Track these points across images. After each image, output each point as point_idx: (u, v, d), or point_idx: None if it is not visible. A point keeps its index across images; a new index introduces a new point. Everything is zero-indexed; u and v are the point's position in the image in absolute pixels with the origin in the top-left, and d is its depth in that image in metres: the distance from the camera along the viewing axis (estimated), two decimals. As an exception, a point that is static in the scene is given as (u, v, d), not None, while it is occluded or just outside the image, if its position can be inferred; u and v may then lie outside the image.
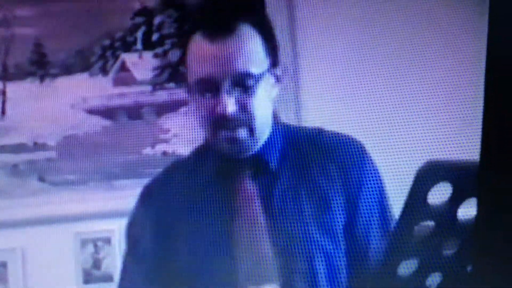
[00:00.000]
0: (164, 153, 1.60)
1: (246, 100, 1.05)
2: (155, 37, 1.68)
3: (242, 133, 1.06)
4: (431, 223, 0.83)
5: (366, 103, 1.23)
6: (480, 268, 0.74)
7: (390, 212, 1.05)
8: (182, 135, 1.57)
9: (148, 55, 1.68)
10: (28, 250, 1.56)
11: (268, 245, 1.03)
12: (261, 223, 1.05)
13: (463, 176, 0.80)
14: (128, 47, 1.69)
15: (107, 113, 1.65)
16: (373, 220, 1.05)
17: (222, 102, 1.04)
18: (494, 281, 0.71)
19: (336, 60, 1.30)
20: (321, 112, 1.27)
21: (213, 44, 1.06)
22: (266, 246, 1.03)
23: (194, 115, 1.11)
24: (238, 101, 1.05)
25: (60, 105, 1.63)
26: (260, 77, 1.06)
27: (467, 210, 0.80)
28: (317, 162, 1.09)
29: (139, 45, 1.68)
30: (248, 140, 1.07)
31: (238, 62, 1.05)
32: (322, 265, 1.03)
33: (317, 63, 1.33)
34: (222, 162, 1.10)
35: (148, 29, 1.68)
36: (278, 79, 1.11)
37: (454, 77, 1.19)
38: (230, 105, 1.04)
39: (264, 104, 1.08)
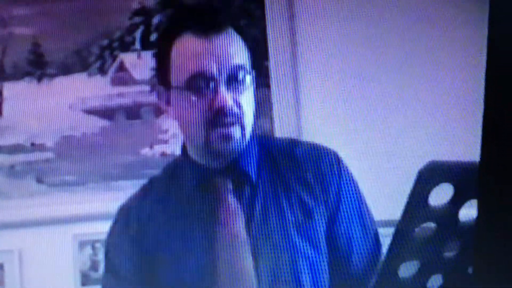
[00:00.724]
0: (163, 154, 1.60)
1: (239, 96, 1.05)
2: (153, 37, 1.67)
3: (236, 130, 1.05)
4: (432, 224, 0.83)
5: (367, 104, 1.22)
6: (481, 270, 0.73)
7: (370, 218, 1.07)
8: (181, 135, 1.57)
9: (146, 55, 1.67)
10: (25, 252, 1.56)
11: (250, 260, 1.03)
12: (243, 237, 1.04)
13: (465, 177, 0.79)
14: (126, 47, 1.68)
15: (105, 113, 1.64)
16: (354, 227, 1.05)
17: (221, 96, 1.03)
18: (495, 283, 0.71)
19: (335, 62, 1.30)
20: (321, 113, 1.26)
21: (207, 40, 1.05)
22: (247, 261, 1.03)
23: (182, 112, 1.07)
24: (233, 97, 1.05)
25: (57, 105, 1.62)
26: (249, 74, 1.07)
27: (469, 212, 0.79)
28: (294, 172, 1.09)
29: (137, 45, 1.68)
30: (239, 138, 1.06)
31: (232, 56, 1.05)
32: (306, 272, 1.02)
33: (317, 65, 1.32)
34: (201, 175, 1.09)
35: (146, 29, 1.68)
36: (253, 81, 1.10)
37: (454, 78, 1.19)
38: (229, 99, 1.04)
39: (251, 103, 1.08)
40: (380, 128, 1.17)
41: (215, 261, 1.03)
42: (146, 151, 1.59)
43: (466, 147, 1.03)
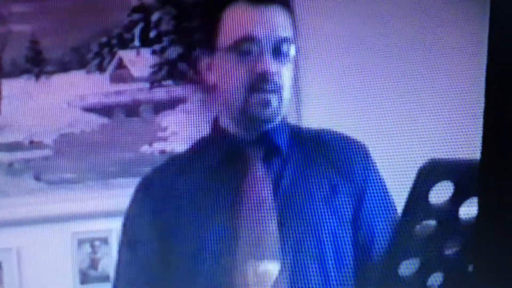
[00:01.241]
0: (162, 152, 1.59)
1: (281, 67, 1.09)
2: (152, 34, 1.67)
3: (274, 98, 1.08)
4: (432, 222, 0.83)
5: (368, 101, 1.22)
6: (482, 267, 0.73)
7: (395, 211, 1.07)
8: (180, 133, 1.57)
9: (145, 52, 1.67)
10: (24, 250, 1.55)
11: (275, 225, 1.04)
12: (269, 202, 1.06)
13: (465, 175, 0.79)
14: (125, 44, 1.68)
15: (104, 110, 1.64)
16: (378, 214, 1.06)
17: (266, 61, 1.07)
18: (496, 280, 0.71)
19: (336, 59, 1.29)
20: (322, 110, 1.26)
21: (258, 8, 1.09)
22: (272, 226, 1.04)
23: (224, 75, 1.10)
24: (276, 66, 1.08)
25: (56, 102, 1.62)
26: (292, 48, 1.10)
27: (469, 209, 0.79)
28: (323, 152, 1.11)
29: (136, 42, 1.68)
30: (276, 107, 1.09)
31: (280, 27, 1.09)
32: (330, 244, 1.04)
33: (318, 61, 1.32)
34: (231, 145, 1.12)
35: (145, 26, 1.68)
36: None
37: (455, 75, 1.19)
38: (272, 65, 1.07)
39: (290, 78, 1.11)
40: (380, 125, 1.17)
41: (238, 226, 1.05)
42: (145, 148, 1.59)
43: (467, 145, 1.02)
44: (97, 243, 1.54)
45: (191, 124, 1.60)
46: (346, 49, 1.30)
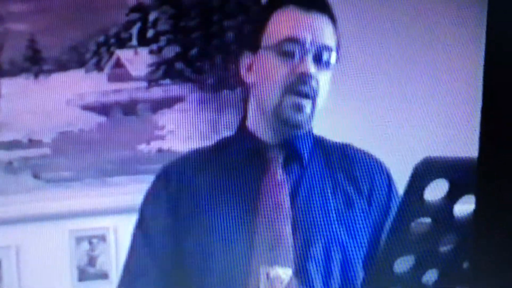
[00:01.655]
0: (159, 150, 1.60)
1: (320, 73, 1.09)
2: (150, 33, 1.67)
3: (308, 104, 1.08)
4: (427, 219, 0.83)
5: (364, 100, 1.23)
6: (477, 264, 0.73)
7: None
8: (178, 131, 1.57)
9: (143, 51, 1.67)
10: (22, 247, 1.55)
11: (289, 231, 1.05)
12: (285, 208, 1.06)
13: (460, 173, 0.79)
14: (123, 43, 1.68)
15: (102, 109, 1.64)
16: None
17: (307, 63, 1.07)
18: (491, 278, 0.71)
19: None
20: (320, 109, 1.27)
21: (307, 14, 1.10)
22: (286, 231, 1.05)
23: (263, 75, 1.11)
24: (316, 71, 1.08)
25: (54, 101, 1.62)
26: (333, 58, 1.11)
27: (464, 207, 0.80)
28: (344, 167, 1.12)
29: (134, 42, 1.68)
30: (308, 114, 1.09)
31: (325, 36, 1.10)
32: (338, 258, 1.04)
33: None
34: (254, 147, 1.12)
35: (143, 25, 1.68)
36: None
37: (452, 74, 1.19)
38: (313, 68, 1.07)
39: (326, 87, 1.11)
40: (376, 124, 1.17)
41: (254, 229, 1.05)
42: (142, 147, 1.59)
43: (462, 143, 1.03)
44: (95, 240, 1.54)
45: (188, 123, 1.61)
46: (343, 49, 1.31)
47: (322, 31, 1.10)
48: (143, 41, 1.68)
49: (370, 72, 1.26)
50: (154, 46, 1.67)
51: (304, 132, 1.12)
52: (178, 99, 1.61)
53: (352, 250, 1.05)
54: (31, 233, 1.53)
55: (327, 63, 1.09)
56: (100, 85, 1.66)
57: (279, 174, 1.09)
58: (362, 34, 1.33)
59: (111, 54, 1.67)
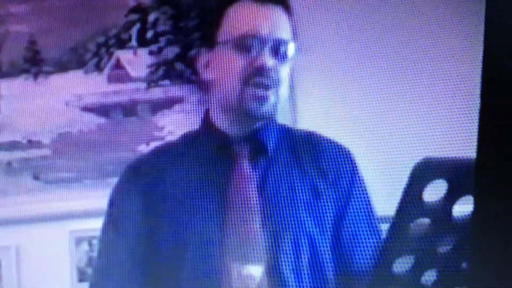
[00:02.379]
0: (159, 151, 1.60)
1: (279, 65, 1.10)
2: (149, 34, 1.67)
3: (270, 95, 1.09)
4: (426, 220, 0.83)
5: (362, 100, 1.23)
6: (476, 265, 0.73)
7: (377, 220, 1.08)
8: (177, 132, 1.57)
9: (143, 52, 1.67)
10: (22, 248, 1.55)
11: (259, 226, 1.05)
12: (254, 202, 1.06)
13: (459, 173, 0.80)
14: (122, 44, 1.68)
15: (102, 110, 1.64)
16: (361, 225, 1.07)
17: (264, 57, 1.08)
18: (490, 278, 0.71)
19: (331, 58, 1.30)
20: (317, 109, 1.27)
21: (264, 7, 1.11)
22: (256, 226, 1.05)
23: (221, 70, 1.11)
24: (274, 63, 1.09)
25: (54, 102, 1.62)
26: (291, 51, 1.12)
27: (463, 208, 0.80)
28: (310, 157, 1.12)
29: (133, 42, 1.68)
30: (272, 105, 1.09)
31: (282, 28, 1.11)
32: (307, 249, 1.04)
33: (312, 60, 1.32)
34: (219, 141, 1.12)
35: (143, 26, 1.68)
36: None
37: (450, 73, 1.19)
38: (270, 61, 1.08)
39: (287, 78, 1.12)
40: (374, 124, 1.17)
41: (224, 225, 1.05)
42: (142, 148, 1.59)
43: (461, 143, 1.03)
44: (95, 241, 1.54)
45: (188, 124, 1.61)
46: (340, 48, 1.31)
47: (278, 23, 1.11)
48: (142, 42, 1.67)
49: (367, 72, 1.26)
50: (153, 47, 1.67)
51: (268, 123, 1.12)
52: (178, 100, 1.61)
53: (319, 241, 1.05)
54: (31, 234, 1.53)
55: (285, 55, 1.10)
56: (99, 86, 1.66)
57: (246, 167, 1.09)
58: (358, 32, 1.33)
59: (110, 55, 1.67)
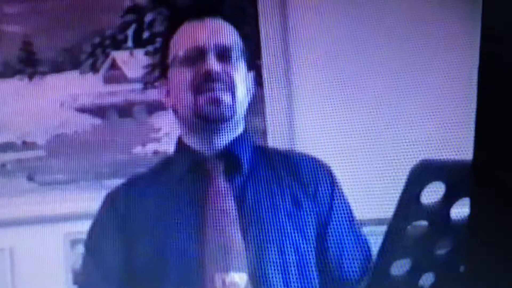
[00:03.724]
0: (155, 152, 1.59)
1: (229, 68, 1.11)
2: (146, 35, 1.67)
3: (224, 96, 1.09)
4: (424, 223, 0.82)
5: (360, 103, 1.22)
6: (473, 268, 0.73)
7: (359, 230, 1.10)
8: (174, 134, 1.57)
9: (139, 53, 1.67)
10: (16, 250, 1.55)
11: (239, 234, 1.05)
12: (232, 213, 1.07)
13: (456, 176, 0.79)
14: (118, 45, 1.68)
15: (97, 111, 1.64)
16: (345, 235, 1.08)
17: (208, 61, 1.09)
18: (487, 281, 0.71)
19: (328, 61, 1.30)
20: (314, 112, 1.26)
21: (202, 21, 1.13)
22: (237, 236, 1.05)
23: (175, 90, 1.13)
24: (222, 67, 1.10)
25: (49, 103, 1.62)
26: (240, 56, 1.13)
27: (460, 210, 0.79)
28: (288, 171, 1.13)
29: (129, 43, 1.67)
30: (229, 104, 1.10)
31: (223, 34, 1.13)
32: (293, 257, 1.05)
33: (310, 64, 1.32)
34: (194, 160, 1.12)
35: (138, 27, 1.67)
36: (249, 69, 1.16)
37: (447, 77, 1.19)
38: (215, 65, 1.09)
39: (242, 83, 1.12)
40: (372, 126, 1.17)
41: (204, 240, 1.05)
42: (138, 149, 1.59)
43: (458, 146, 1.03)
44: (90, 243, 1.53)
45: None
46: (338, 51, 1.30)
47: (217, 31, 1.13)
48: (138, 43, 1.67)
49: (364, 75, 1.25)
50: (149, 48, 1.67)
51: (240, 138, 1.13)
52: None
53: (304, 249, 1.06)
54: (25, 236, 1.52)
55: (230, 58, 1.11)
56: (95, 87, 1.65)
57: (222, 183, 1.10)
58: (355, 37, 1.33)
59: (106, 55, 1.67)
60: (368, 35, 1.33)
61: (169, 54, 1.14)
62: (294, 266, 1.04)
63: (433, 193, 0.80)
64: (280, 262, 1.04)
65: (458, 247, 0.80)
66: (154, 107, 1.62)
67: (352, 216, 1.10)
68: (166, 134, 1.59)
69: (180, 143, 1.16)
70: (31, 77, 1.66)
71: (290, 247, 1.05)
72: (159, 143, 1.60)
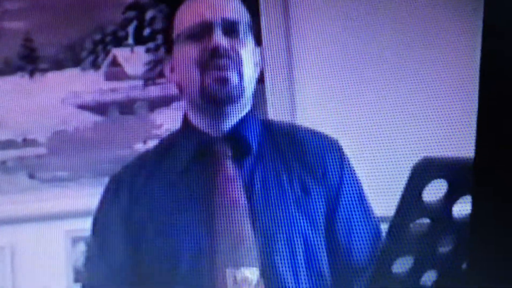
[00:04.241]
0: (156, 149, 1.59)
1: (236, 44, 1.08)
2: (146, 32, 1.67)
3: (232, 74, 1.07)
4: (426, 220, 0.83)
5: (362, 101, 1.22)
6: (475, 265, 0.73)
7: (370, 209, 1.07)
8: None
9: (140, 49, 1.67)
10: (17, 248, 1.55)
11: (249, 227, 1.03)
12: (242, 204, 1.05)
13: (459, 173, 0.79)
14: (119, 41, 1.67)
15: (99, 108, 1.63)
16: (354, 216, 1.06)
17: (215, 38, 1.07)
18: (489, 278, 0.71)
19: (331, 59, 1.29)
20: (316, 109, 1.26)
21: None
22: (246, 228, 1.03)
23: (181, 66, 1.11)
24: (229, 43, 1.08)
25: (50, 100, 1.61)
26: (248, 31, 1.10)
27: (463, 207, 0.79)
28: (295, 153, 1.10)
29: (130, 40, 1.67)
30: (236, 83, 1.07)
31: (229, 9, 1.10)
32: (301, 246, 1.03)
33: (312, 63, 1.32)
34: (201, 142, 1.10)
35: (140, 23, 1.67)
36: (257, 44, 1.14)
37: (449, 74, 1.19)
38: (223, 41, 1.07)
39: (249, 59, 1.10)
40: (374, 124, 1.17)
41: (214, 230, 1.03)
42: (139, 146, 1.59)
43: (460, 143, 1.03)
44: (91, 241, 1.54)
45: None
46: (340, 45, 1.30)
47: (224, 5, 1.10)
48: (139, 40, 1.67)
49: (366, 72, 1.25)
50: (151, 45, 1.66)
51: (249, 119, 1.10)
52: (175, 98, 1.60)
53: (314, 238, 1.04)
54: (26, 234, 1.52)
55: (242, 35, 1.09)
56: (96, 83, 1.65)
57: (230, 168, 1.07)
58: (357, 32, 1.32)
59: (107, 52, 1.67)
60: (370, 32, 1.32)
61: (173, 28, 1.12)
62: (303, 257, 1.02)
63: (435, 190, 0.80)
64: (288, 253, 1.02)
65: (460, 245, 0.80)
66: (155, 104, 1.62)
67: (361, 197, 1.07)
68: (167, 130, 1.59)
69: (185, 121, 1.13)
70: (32, 74, 1.66)
71: (298, 237, 1.03)
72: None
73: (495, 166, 0.71)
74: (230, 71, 1.07)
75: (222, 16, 1.08)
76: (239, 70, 1.07)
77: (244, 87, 1.08)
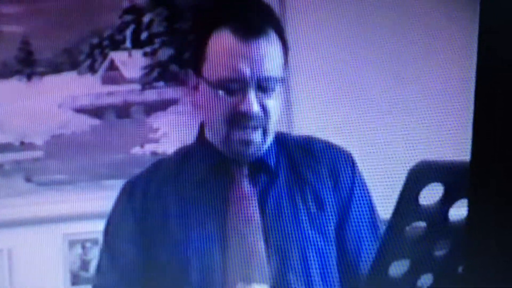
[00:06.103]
0: (153, 153, 1.59)
1: (267, 102, 1.06)
2: (144, 35, 1.67)
3: (257, 135, 1.06)
4: (422, 223, 0.83)
5: (358, 104, 1.22)
6: (472, 269, 0.73)
7: (379, 220, 1.07)
8: (172, 134, 1.56)
9: (137, 53, 1.67)
10: (14, 251, 1.54)
11: (262, 244, 1.03)
12: (256, 221, 1.04)
13: (455, 177, 0.79)
14: (117, 45, 1.67)
15: (96, 112, 1.63)
16: (364, 227, 1.06)
17: (249, 101, 1.04)
18: (486, 282, 0.71)
19: (327, 64, 1.30)
20: (313, 113, 1.26)
21: (245, 43, 1.05)
22: (259, 245, 1.03)
23: (208, 111, 1.09)
24: (261, 102, 1.06)
25: (47, 104, 1.61)
26: (279, 81, 1.08)
27: (459, 211, 0.80)
28: (310, 165, 1.10)
29: (128, 44, 1.67)
30: (259, 142, 1.07)
31: (266, 64, 1.06)
32: (316, 263, 1.03)
33: (309, 66, 1.32)
34: (216, 158, 1.10)
35: (137, 27, 1.67)
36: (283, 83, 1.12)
37: (445, 78, 1.19)
38: (255, 104, 1.05)
39: (278, 107, 1.09)
40: (370, 127, 1.17)
41: (226, 245, 1.03)
42: (136, 150, 1.59)
43: (457, 147, 1.03)
44: (88, 244, 1.53)
45: (182, 126, 1.60)
46: (336, 50, 1.30)
47: (263, 60, 1.05)
48: (137, 43, 1.67)
49: (363, 77, 1.25)
50: (148, 48, 1.66)
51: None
52: (172, 102, 1.61)
53: (326, 251, 1.04)
54: (23, 237, 1.52)
55: (272, 89, 1.06)
56: (93, 87, 1.65)
57: (246, 186, 1.07)
58: (354, 37, 1.32)
59: (104, 56, 1.67)
60: (368, 37, 1.33)
61: (204, 59, 1.08)
62: (316, 272, 1.02)
63: (431, 194, 0.80)
64: (302, 269, 1.02)
65: (456, 248, 0.81)
66: (152, 108, 1.62)
67: (371, 209, 1.07)
68: (164, 134, 1.59)
69: (202, 135, 1.13)
70: (29, 77, 1.66)
71: (313, 252, 1.03)
72: (157, 143, 1.60)
73: (491, 170, 0.71)
74: (255, 132, 1.06)
75: (257, 73, 1.05)
76: (265, 128, 1.07)
77: (266, 141, 1.08)
